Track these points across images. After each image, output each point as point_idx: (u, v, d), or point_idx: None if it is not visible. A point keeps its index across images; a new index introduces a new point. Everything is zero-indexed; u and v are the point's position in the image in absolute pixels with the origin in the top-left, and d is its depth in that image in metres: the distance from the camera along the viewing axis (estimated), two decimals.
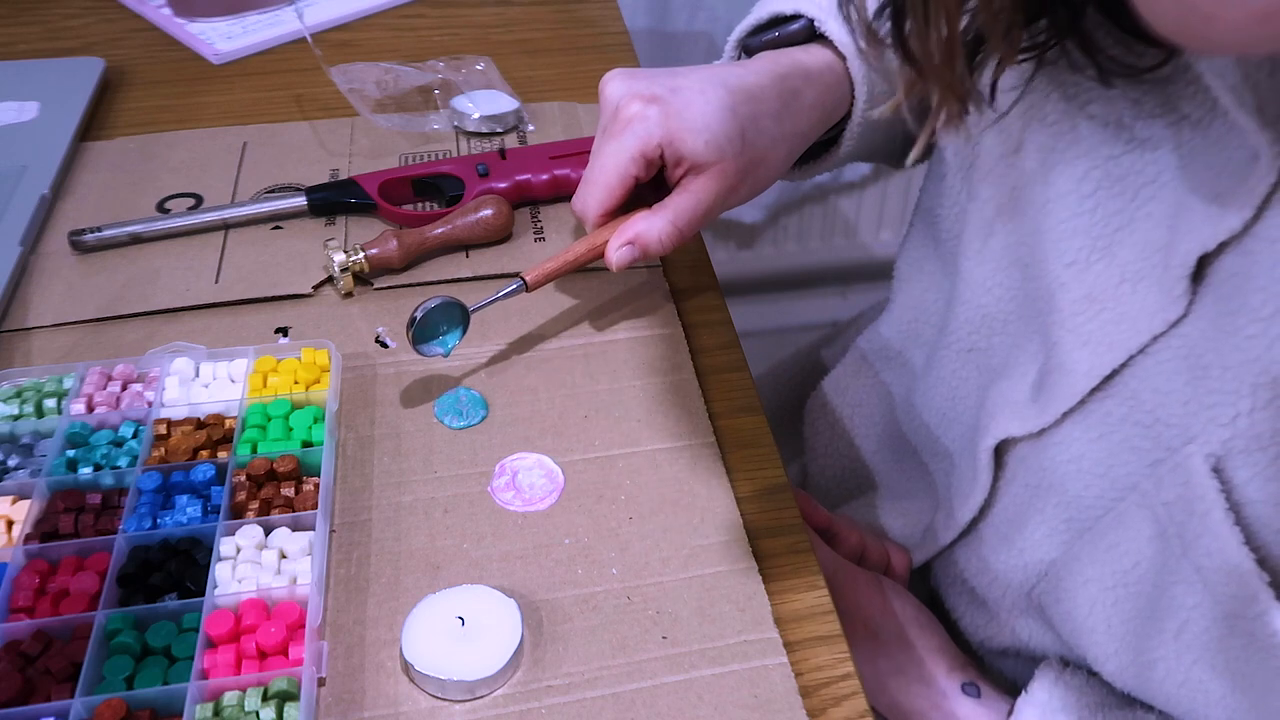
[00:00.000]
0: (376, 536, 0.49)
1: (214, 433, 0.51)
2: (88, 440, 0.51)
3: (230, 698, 0.41)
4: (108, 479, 0.49)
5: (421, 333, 0.54)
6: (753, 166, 0.54)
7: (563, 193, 0.69)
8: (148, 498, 0.48)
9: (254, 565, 0.46)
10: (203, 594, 0.44)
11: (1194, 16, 0.32)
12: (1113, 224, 0.46)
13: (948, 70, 0.40)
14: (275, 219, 0.68)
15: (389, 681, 0.44)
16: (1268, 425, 0.40)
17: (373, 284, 0.63)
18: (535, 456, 0.53)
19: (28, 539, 0.46)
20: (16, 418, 0.52)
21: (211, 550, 0.46)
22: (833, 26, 0.58)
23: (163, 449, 0.50)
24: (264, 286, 0.63)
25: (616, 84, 0.53)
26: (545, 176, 0.69)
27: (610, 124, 0.53)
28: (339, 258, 0.61)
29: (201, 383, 0.55)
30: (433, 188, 0.70)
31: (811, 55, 0.58)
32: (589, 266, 0.57)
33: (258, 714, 0.40)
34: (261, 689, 0.41)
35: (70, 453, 0.50)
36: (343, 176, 0.72)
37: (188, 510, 0.47)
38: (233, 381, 0.55)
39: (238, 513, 0.48)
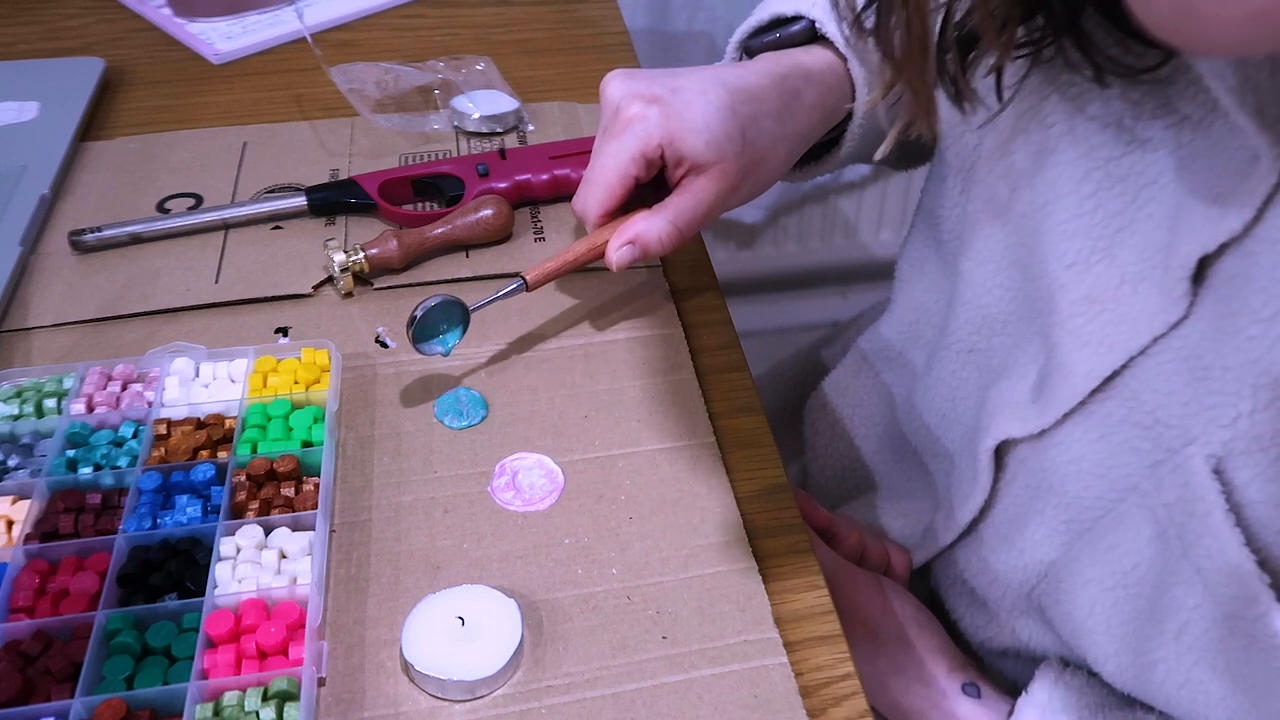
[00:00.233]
0: (376, 536, 0.49)
1: (214, 433, 0.51)
2: (88, 440, 0.51)
3: (230, 698, 0.41)
4: (108, 479, 0.49)
5: (421, 331, 0.54)
6: (753, 167, 0.54)
7: (563, 193, 0.69)
8: (148, 498, 0.48)
9: (254, 565, 0.46)
10: (203, 594, 0.44)
11: (1189, 18, 0.31)
12: (1113, 225, 0.46)
13: (918, 66, 0.41)
14: (275, 219, 0.68)
15: (389, 681, 0.44)
16: (1268, 426, 0.40)
17: (373, 284, 0.63)
18: (535, 456, 0.53)
19: (28, 539, 0.46)
20: (16, 418, 0.52)
21: (211, 550, 0.46)
22: (833, 28, 0.58)
23: (163, 449, 0.50)
24: (264, 286, 0.63)
25: (617, 84, 0.53)
26: (545, 176, 0.69)
27: (611, 124, 0.53)
28: (339, 258, 0.61)
29: (201, 383, 0.55)
30: (433, 188, 0.70)
31: (812, 56, 0.58)
32: (589, 266, 0.57)
33: (258, 714, 0.40)
34: (261, 689, 0.41)
35: (70, 453, 0.50)
36: (343, 176, 0.72)
37: (188, 510, 0.47)
38: (233, 381, 0.55)
39: (238, 513, 0.48)
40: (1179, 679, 0.46)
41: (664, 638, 0.45)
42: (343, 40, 0.90)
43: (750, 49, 0.61)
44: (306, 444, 0.51)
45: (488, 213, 0.65)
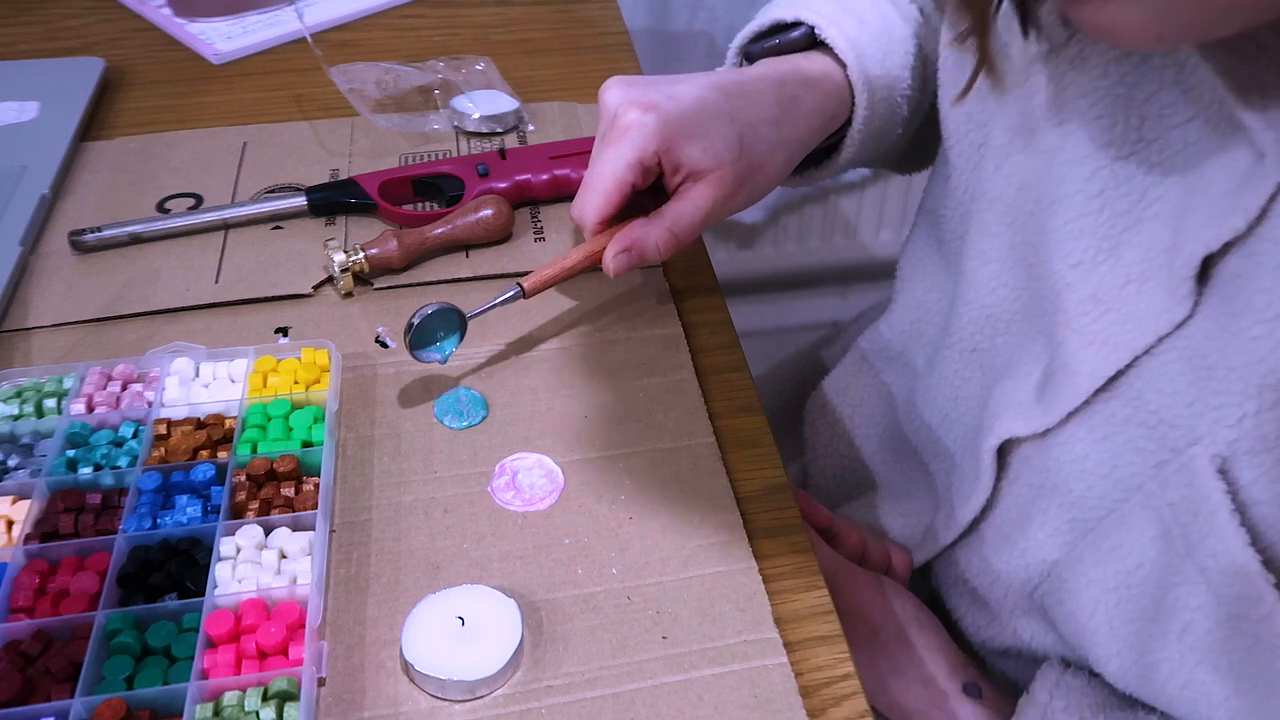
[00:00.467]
0: (376, 536, 0.49)
1: (214, 433, 0.51)
2: (88, 440, 0.51)
3: (230, 698, 0.41)
4: (108, 479, 0.49)
5: (419, 339, 0.54)
6: (751, 173, 0.54)
7: (563, 193, 0.69)
8: (148, 498, 0.48)
9: (254, 565, 0.45)
10: (203, 594, 0.44)
11: (1106, 34, 0.37)
12: (1119, 224, 0.46)
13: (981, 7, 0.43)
14: (275, 219, 0.68)
15: (389, 681, 0.43)
16: (1273, 426, 0.40)
17: (373, 284, 0.63)
18: (535, 456, 0.53)
19: (28, 539, 0.46)
20: (16, 418, 0.52)
21: (211, 550, 0.46)
22: (833, 33, 0.57)
23: (163, 449, 0.50)
24: (264, 286, 0.63)
25: (615, 91, 0.53)
26: (545, 176, 0.69)
27: (608, 131, 0.53)
28: (339, 258, 0.61)
29: (201, 383, 0.55)
30: (433, 188, 0.70)
31: (812, 62, 0.58)
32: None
33: (258, 714, 0.40)
34: (261, 689, 0.41)
35: (70, 453, 0.50)
36: (343, 176, 0.72)
37: (188, 510, 0.47)
38: (233, 381, 0.55)
39: (238, 513, 0.48)
40: (1182, 679, 0.46)
41: (664, 638, 0.45)
42: (343, 40, 0.90)
43: (750, 54, 0.61)
44: (306, 444, 0.51)
45: (488, 213, 0.65)
